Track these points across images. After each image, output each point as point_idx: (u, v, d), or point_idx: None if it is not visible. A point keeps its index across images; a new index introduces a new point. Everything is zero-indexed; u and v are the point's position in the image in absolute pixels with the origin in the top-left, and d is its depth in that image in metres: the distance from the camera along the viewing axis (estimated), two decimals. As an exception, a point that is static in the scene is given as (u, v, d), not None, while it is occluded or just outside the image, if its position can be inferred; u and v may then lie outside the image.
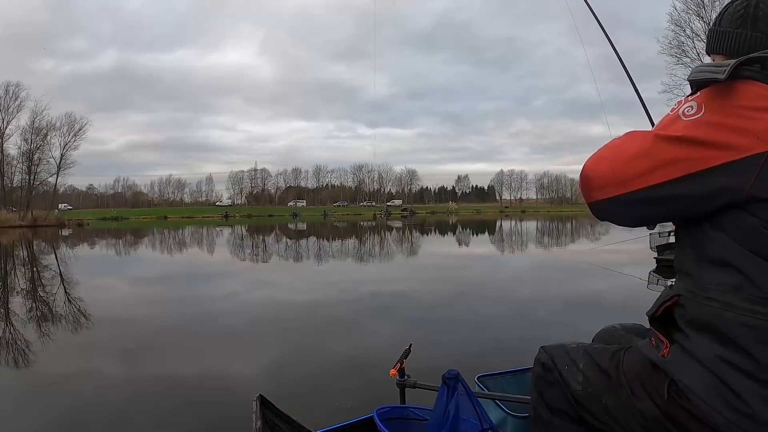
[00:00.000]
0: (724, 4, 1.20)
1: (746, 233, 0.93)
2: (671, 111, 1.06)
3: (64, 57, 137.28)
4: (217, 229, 41.17)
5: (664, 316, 1.05)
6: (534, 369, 1.35)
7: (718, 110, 0.96)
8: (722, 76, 0.96)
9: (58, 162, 49.47)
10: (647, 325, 1.26)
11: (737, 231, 0.94)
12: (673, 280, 1.32)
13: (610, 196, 1.04)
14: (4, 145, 47.02)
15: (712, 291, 0.95)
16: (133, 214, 78.13)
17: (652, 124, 2.09)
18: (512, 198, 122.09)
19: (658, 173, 0.98)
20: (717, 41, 1.18)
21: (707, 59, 1.24)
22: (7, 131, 46.80)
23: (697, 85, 1.04)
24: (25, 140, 47.36)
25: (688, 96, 1.06)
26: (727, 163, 0.92)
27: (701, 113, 0.98)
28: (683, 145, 0.97)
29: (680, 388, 0.95)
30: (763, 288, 0.91)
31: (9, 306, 8.16)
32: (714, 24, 1.20)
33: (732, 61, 0.97)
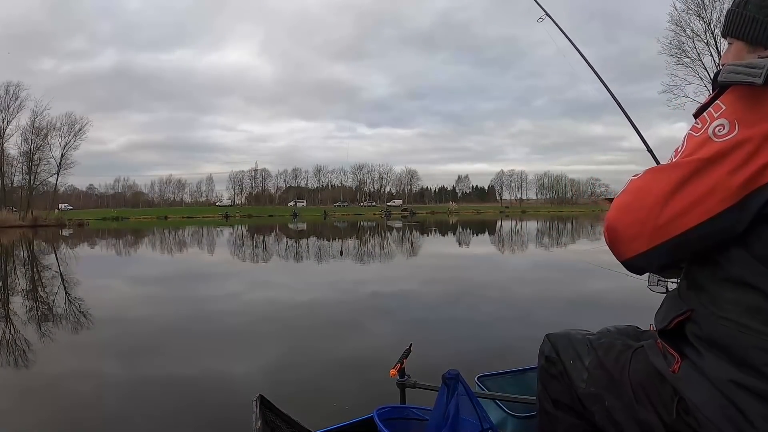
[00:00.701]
0: None
1: None
2: (695, 131, 0.92)
3: (63, 57, 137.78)
4: (218, 229, 41.15)
5: (675, 329, 0.97)
6: (539, 360, 1.32)
7: (756, 124, 0.85)
8: (759, 81, 0.84)
9: (58, 162, 49.57)
10: (642, 327, 1.23)
11: (761, 247, 0.86)
12: (674, 280, 1.31)
13: (643, 250, 0.92)
14: (5, 145, 47.08)
15: (729, 311, 0.88)
16: (134, 214, 78.15)
17: (650, 152, 1.95)
18: (512, 198, 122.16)
19: (695, 213, 0.87)
20: (741, 26, 1.06)
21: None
22: (8, 131, 46.87)
23: (723, 85, 0.93)
24: (26, 140, 47.46)
25: (710, 99, 0.94)
26: None
27: (735, 131, 0.86)
28: (721, 174, 0.85)
29: (688, 406, 0.91)
30: None
31: (9, 306, 8.16)
32: (737, 5, 1.08)
33: (766, 62, 0.86)
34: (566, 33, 2.09)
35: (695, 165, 0.88)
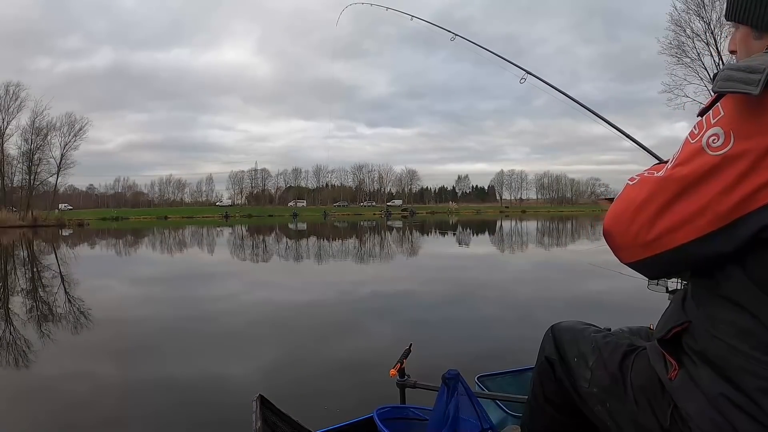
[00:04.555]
0: None
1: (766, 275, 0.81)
2: (692, 137, 0.86)
3: (59, 55, 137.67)
4: (218, 229, 41.15)
5: (673, 338, 0.96)
6: (540, 353, 1.31)
7: (753, 137, 0.78)
8: (756, 91, 0.76)
9: (58, 162, 49.53)
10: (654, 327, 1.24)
11: (759, 270, 0.81)
12: (674, 280, 1.31)
13: (636, 259, 0.92)
14: (5, 145, 47.10)
15: (722, 330, 0.86)
16: (134, 214, 78.18)
17: (652, 153, 1.79)
18: (512, 198, 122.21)
19: (683, 231, 0.84)
20: (745, 9, 0.96)
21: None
22: (8, 131, 46.88)
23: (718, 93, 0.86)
24: (26, 140, 47.43)
25: (712, 101, 0.87)
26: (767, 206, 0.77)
27: (730, 144, 0.80)
28: (711, 194, 0.81)
29: (682, 415, 0.91)
30: None
31: (9, 306, 8.16)
32: None
33: (767, 65, 0.78)
34: (550, 83, 2.08)
35: (686, 182, 0.84)
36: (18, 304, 8.30)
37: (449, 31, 2.16)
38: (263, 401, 1.87)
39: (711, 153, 0.81)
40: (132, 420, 3.35)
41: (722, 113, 0.83)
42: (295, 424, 1.99)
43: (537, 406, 1.31)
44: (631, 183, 0.95)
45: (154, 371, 4.43)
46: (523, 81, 2.16)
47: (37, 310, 7.77)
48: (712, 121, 0.84)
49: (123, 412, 3.47)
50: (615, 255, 0.97)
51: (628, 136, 1.98)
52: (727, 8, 1.02)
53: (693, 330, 0.92)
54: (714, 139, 0.82)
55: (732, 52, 1.04)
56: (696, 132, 0.86)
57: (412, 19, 2.38)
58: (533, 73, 2.13)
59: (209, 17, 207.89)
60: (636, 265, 0.94)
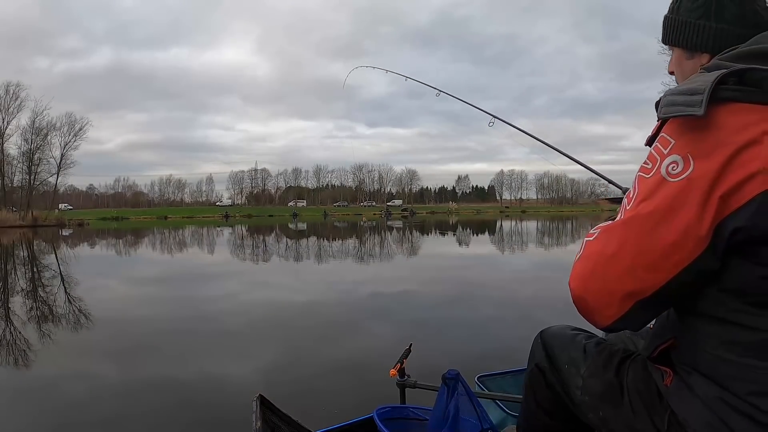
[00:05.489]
0: None
1: (743, 284, 0.82)
2: (645, 172, 0.85)
3: (58, 55, 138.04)
4: (218, 229, 41.16)
5: (661, 354, 0.98)
6: (530, 360, 1.30)
7: (710, 155, 0.79)
8: (700, 112, 0.78)
9: (58, 162, 49.66)
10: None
11: (733, 283, 0.83)
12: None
13: (619, 315, 0.88)
14: (5, 145, 47.13)
15: (708, 344, 0.87)
16: (134, 214, 78.23)
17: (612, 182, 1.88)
18: (512, 198, 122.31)
19: (663, 269, 0.82)
20: (675, 32, 1.02)
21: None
22: (8, 131, 46.93)
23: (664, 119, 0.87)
24: (26, 140, 47.61)
25: (657, 129, 0.88)
26: (737, 209, 0.78)
27: (691, 167, 0.80)
28: (690, 213, 0.79)
29: (679, 420, 0.91)
30: (756, 340, 0.82)
31: (9, 306, 8.16)
32: (671, 10, 1.04)
33: (706, 85, 0.80)
34: (518, 126, 2.16)
35: (657, 215, 0.82)
36: (18, 303, 8.30)
37: (489, 114, 2.33)
38: (263, 401, 1.87)
39: (673, 180, 0.81)
40: (132, 420, 3.35)
41: (673, 141, 0.83)
42: (295, 424, 1.99)
43: (530, 412, 1.31)
44: (590, 238, 0.92)
45: (154, 371, 4.43)
46: (491, 124, 2.25)
47: (37, 310, 7.77)
48: (665, 151, 0.84)
49: (123, 412, 3.46)
50: (594, 322, 0.93)
51: (594, 171, 2.06)
52: (662, 33, 1.06)
53: (679, 345, 0.94)
54: (673, 167, 0.82)
55: (671, 72, 1.09)
56: (649, 166, 0.85)
57: (438, 95, 2.69)
58: (500, 117, 2.24)
59: (208, 17, 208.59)
60: (619, 323, 0.90)
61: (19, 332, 6.01)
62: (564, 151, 2.14)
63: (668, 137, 0.84)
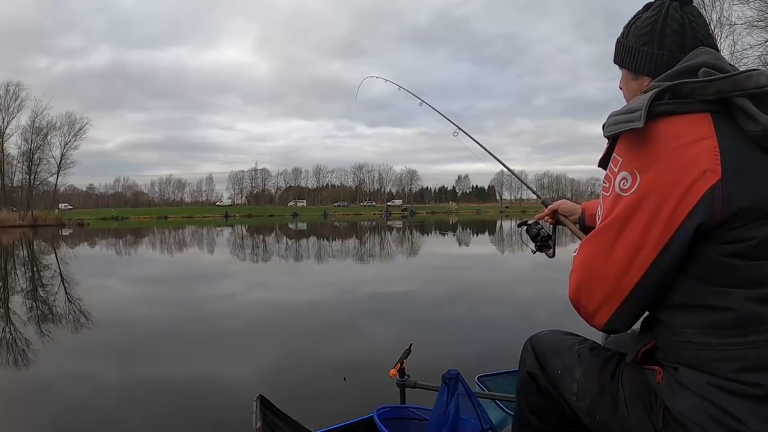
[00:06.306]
0: (637, 11, 1.11)
1: (707, 269, 0.90)
2: (605, 191, 0.98)
3: (57, 55, 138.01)
4: (218, 229, 41.15)
5: (645, 355, 1.03)
6: (520, 367, 1.32)
7: (652, 166, 0.89)
8: (640, 124, 0.88)
9: (58, 162, 49.65)
10: None
11: (699, 270, 0.91)
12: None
13: (606, 319, 0.99)
14: (5, 144, 47.14)
15: (686, 334, 0.93)
16: (134, 214, 78.24)
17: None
18: (512, 198, 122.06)
19: (636, 265, 0.92)
20: (622, 55, 1.12)
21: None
22: (8, 131, 46.94)
23: (614, 137, 0.97)
24: (26, 140, 47.62)
25: (608, 150, 1.00)
26: (691, 211, 0.87)
27: (638, 181, 0.90)
28: (641, 222, 0.90)
29: (674, 414, 0.94)
30: (731, 318, 0.88)
31: (8, 305, 8.16)
32: (622, 34, 1.12)
33: (643, 102, 0.90)
34: (479, 142, 2.30)
35: (617, 225, 0.93)
36: (18, 303, 8.30)
37: (454, 124, 2.41)
38: (263, 401, 1.87)
39: (625, 195, 0.92)
40: (132, 420, 3.35)
41: (621, 160, 0.94)
42: (295, 423, 1.99)
43: (523, 418, 1.31)
44: (576, 254, 1.04)
45: (154, 371, 4.43)
46: (456, 134, 2.37)
47: (37, 310, 7.77)
48: (616, 170, 0.95)
49: (123, 412, 3.46)
50: (591, 325, 1.03)
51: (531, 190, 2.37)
52: (614, 54, 1.16)
53: (660, 345, 1.00)
54: (623, 183, 0.93)
55: (621, 88, 1.20)
56: (607, 185, 0.98)
57: (421, 104, 2.67)
58: (463, 129, 2.36)
59: (208, 16, 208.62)
60: (609, 325, 1.00)
61: (19, 332, 6.01)
62: (521, 178, 2.46)
63: (617, 156, 0.96)
